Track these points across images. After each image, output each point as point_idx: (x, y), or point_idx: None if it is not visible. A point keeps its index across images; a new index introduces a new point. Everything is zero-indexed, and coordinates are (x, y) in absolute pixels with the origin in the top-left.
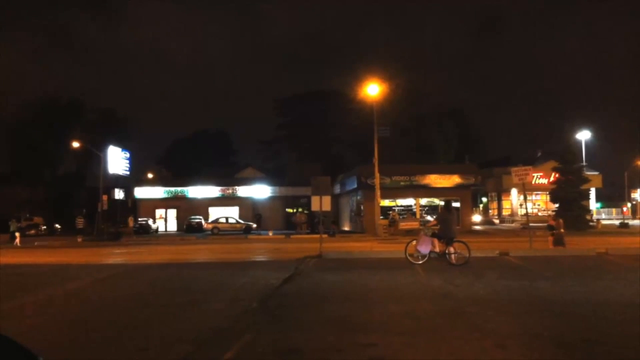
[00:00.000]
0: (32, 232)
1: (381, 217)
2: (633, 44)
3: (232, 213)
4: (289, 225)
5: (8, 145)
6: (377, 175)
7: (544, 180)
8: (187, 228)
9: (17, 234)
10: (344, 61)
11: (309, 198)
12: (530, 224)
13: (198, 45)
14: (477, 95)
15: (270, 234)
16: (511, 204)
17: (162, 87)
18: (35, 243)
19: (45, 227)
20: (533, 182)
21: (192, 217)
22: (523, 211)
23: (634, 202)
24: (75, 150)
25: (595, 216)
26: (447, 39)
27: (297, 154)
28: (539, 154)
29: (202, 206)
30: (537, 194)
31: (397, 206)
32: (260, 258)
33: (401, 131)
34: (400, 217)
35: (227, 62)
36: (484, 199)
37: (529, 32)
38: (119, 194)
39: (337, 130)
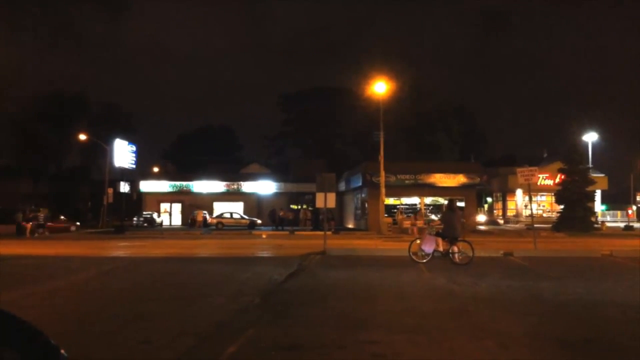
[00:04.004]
0: (49, 223)
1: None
2: None
3: (236, 208)
4: (280, 221)
5: (13, 139)
6: (382, 173)
7: (550, 182)
8: (192, 223)
9: (27, 225)
10: (348, 58)
11: (313, 194)
12: (535, 225)
13: (203, 40)
14: (482, 94)
15: (264, 236)
16: (516, 205)
17: (167, 82)
18: None
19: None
20: (539, 183)
21: (195, 211)
22: (528, 212)
23: (639, 205)
24: (81, 143)
25: (600, 218)
26: (452, 36)
27: (302, 150)
28: (545, 154)
29: (207, 201)
30: (542, 195)
31: (402, 204)
32: (264, 254)
33: (406, 129)
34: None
35: (233, 57)
36: (489, 199)
37: (535, 30)
38: (124, 188)
39: (342, 127)
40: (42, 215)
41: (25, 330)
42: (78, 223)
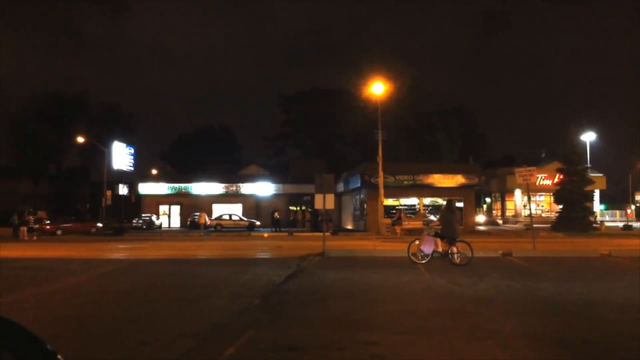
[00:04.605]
0: (36, 226)
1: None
2: None
3: (235, 210)
4: (274, 222)
5: (12, 139)
6: (381, 174)
7: (548, 182)
8: (191, 224)
9: (23, 229)
10: (348, 58)
11: (312, 196)
12: (534, 225)
13: (203, 41)
14: (482, 94)
15: (266, 235)
16: (515, 205)
17: (166, 83)
18: None
19: (48, 221)
20: (537, 183)
21: (196, 213)
22: (526, 212)
23: (638, 205)
24: (80, 145)
25: (598, 218)
26: (452, 36)
27: (301, 151)
28: (543, 154)
29: (206, 203)
30: (540, 195)
31: (401, 205)
32: (263, 255)
33: (405, 130)
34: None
35: (233, 57)
36: (488, 199)
37: (535, 30)
38: (122, 190)
39: (342, 127)
40: (32, 218)
41: (23, 334)
42: (100, 224)
